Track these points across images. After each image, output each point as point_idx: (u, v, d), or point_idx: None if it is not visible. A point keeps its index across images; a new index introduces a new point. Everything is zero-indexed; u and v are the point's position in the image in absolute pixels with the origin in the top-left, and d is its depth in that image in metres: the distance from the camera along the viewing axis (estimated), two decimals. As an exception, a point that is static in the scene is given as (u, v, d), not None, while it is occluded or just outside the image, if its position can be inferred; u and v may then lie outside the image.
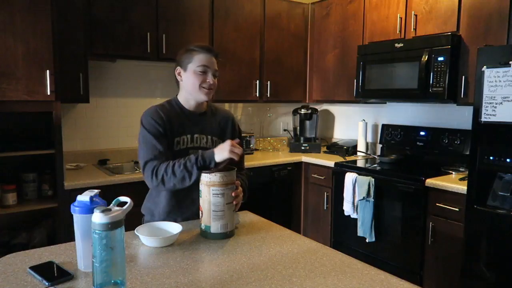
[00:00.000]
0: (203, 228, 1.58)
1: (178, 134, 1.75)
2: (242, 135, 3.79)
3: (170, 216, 1.75)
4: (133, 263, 1.32)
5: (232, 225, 1.62)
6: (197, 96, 1.76)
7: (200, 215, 1.59)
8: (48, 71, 2.43)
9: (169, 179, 1.61)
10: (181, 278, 1.22)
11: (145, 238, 1.50)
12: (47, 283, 1.16)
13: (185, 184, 1.60)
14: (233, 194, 1.56)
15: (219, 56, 1.78)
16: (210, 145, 1.80)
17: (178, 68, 1.77)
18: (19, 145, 2.51)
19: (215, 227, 1.55)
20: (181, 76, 1.77)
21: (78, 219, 1.25)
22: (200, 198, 1.58)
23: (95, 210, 1.09)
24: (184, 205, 1.78)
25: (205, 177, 1.54)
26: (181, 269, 1.29)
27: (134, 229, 1.60)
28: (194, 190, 1.74)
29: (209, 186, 1.53)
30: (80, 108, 3.25)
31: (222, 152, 1.57)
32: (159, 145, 1.67)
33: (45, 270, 1.25)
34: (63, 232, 2.55)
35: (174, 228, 1.59)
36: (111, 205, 1.16)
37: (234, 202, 1.59)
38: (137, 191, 2.82)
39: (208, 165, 1.59)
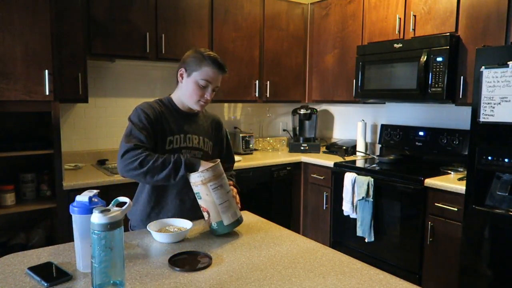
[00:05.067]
0: (215, 227, 1.56)
1: (170, 133, 1.72)
2: (241, 135, 3.84)
3: (150, 220, 1.71)
4: (132, 263, 1.32)
5: (239, 210, 1.63)
6: (191, 105, 1.76)
7: (206, 216, 1.57)
8: (46, 71, 2.43)
9: (155, 172, 1.53)
10: (180, 278, 1.22)
11: (157, 234, 1.52)
12: (45, 284, 1.16)
13: (169, 181, 1.56)
14: (230, 183, 1.64)
15: (227, 72, 1.75)
16: (202, 145, 1.80)
17: (182, 69, 1.72)
18: (18, 145, 2.51)
19: (227, 219, 1.55)
20: (182, 78, 1.74)
21: (77, 219, 1.25)
22: (199, 200, 1.57)
23: (94, 210, 1.09)
24: (163, 206, 1.77)
25: (199, 177, 1.52)
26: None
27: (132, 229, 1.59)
28: (171, 192, 1.76)
29: (205, 183, 1.52)
30: (79, 108, 3.24)
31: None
32: (143, 137, 1.60)
33: (43, 270, 1.24)
34: (61, 233, 2.54)
35: (185, 224, 1.63)
36: (110, 205, 1.15)
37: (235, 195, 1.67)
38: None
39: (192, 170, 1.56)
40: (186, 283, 1.19)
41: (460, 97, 2.84)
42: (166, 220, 1.66)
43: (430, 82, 2.92)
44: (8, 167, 2.68)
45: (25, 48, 2.37)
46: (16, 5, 2.32)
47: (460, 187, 2.53)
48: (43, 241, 2.67)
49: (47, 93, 2.44)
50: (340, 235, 3.39)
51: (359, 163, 3.42)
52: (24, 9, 2.35)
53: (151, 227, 1.57)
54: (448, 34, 2.84)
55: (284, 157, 3.75)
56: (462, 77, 2.83)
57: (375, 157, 3.68)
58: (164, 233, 1.53)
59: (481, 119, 2.35)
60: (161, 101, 1.79)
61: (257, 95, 3.80)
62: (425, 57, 2.90)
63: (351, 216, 3.17)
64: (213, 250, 1.46)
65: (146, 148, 1.59)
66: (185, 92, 1.73)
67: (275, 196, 3.63)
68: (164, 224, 1.63)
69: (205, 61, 1.67)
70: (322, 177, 3.56)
